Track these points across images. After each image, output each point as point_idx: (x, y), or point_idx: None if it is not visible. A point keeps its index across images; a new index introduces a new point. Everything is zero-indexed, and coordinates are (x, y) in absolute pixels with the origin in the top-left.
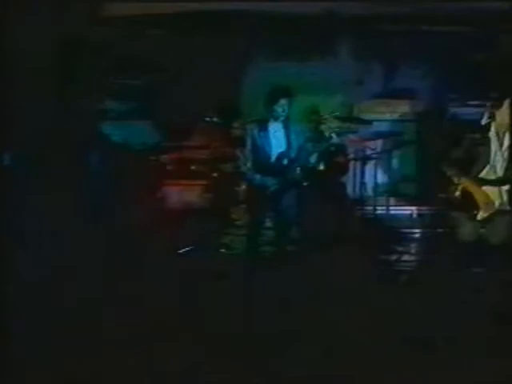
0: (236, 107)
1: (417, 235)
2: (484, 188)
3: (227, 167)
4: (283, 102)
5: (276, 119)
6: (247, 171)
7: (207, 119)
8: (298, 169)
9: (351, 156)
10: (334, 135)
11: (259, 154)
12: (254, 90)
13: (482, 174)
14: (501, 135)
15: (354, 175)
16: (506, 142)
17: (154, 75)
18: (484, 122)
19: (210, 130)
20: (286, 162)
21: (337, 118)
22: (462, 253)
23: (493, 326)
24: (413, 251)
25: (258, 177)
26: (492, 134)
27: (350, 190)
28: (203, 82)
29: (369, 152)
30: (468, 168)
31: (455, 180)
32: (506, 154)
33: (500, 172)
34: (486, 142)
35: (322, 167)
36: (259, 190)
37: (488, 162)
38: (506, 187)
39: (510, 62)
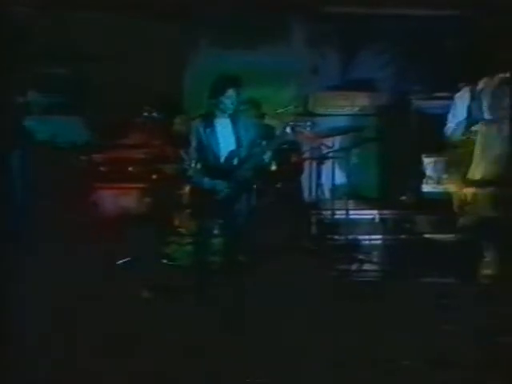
0: (178, 100)
1: (379, 242)
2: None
3: (169, 168)
4: (231, 92)
5: (224, 113)
6: (192, 172)
7: (145, 114)
8: (249, 169)
9: (306, 154)
10: (287, 131)
11: (205, 153)
12: (199, 80)
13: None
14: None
15: (310, 176)
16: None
17: (84, 64)
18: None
19: (149, 127)
20: (234, 161)
21: (290, 111)
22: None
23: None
24: (375, 260)
25: (203, 178)
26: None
27: (305, 192)
28: (141, 72)
29: (326, 150)
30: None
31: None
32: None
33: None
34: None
35: (274, 167)
36: (205, 194)
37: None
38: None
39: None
